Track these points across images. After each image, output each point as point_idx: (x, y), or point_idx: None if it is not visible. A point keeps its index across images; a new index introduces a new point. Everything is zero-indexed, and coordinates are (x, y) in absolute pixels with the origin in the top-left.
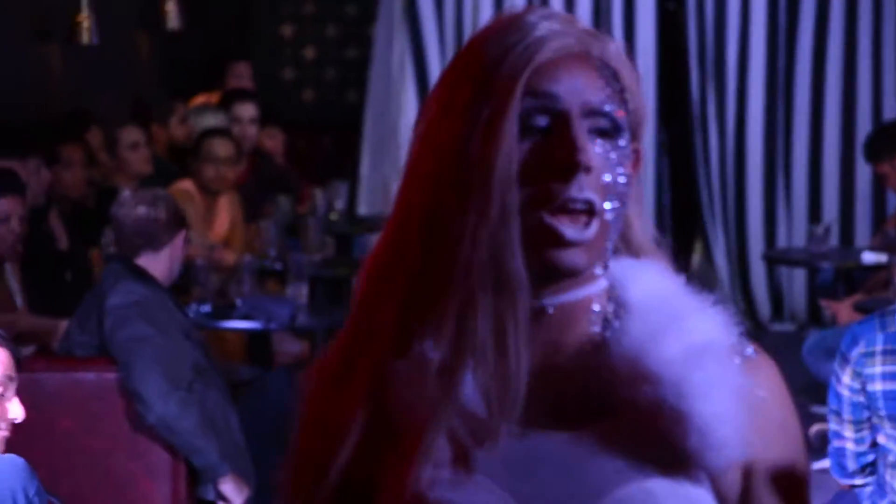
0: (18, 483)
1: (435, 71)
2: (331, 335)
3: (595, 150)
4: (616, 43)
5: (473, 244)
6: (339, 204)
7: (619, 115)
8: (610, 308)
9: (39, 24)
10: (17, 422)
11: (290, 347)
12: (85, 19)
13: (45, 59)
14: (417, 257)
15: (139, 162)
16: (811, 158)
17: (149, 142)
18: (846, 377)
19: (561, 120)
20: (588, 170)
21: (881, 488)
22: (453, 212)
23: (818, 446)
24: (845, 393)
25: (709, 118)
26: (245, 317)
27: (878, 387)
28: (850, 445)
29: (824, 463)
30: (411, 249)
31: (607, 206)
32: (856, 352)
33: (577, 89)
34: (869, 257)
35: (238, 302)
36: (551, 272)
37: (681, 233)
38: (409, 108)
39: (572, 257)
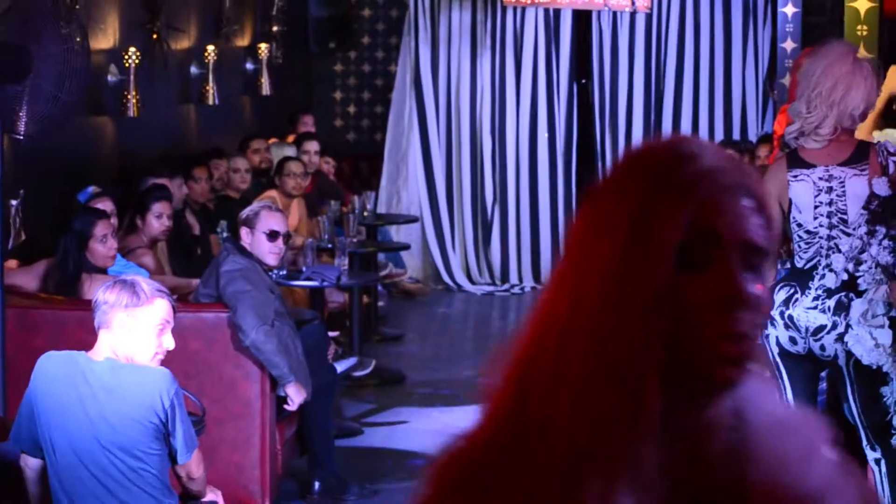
0: (165, 386)
1: (432, 121)
2: (364, 290)
3: (750, 284)
4: (757, 174)
5: (621, 369)
6: (369, 206)
7: (768, 247)
8: (732, 421)
9: (181, 92)
10: (169, 350)
11: (336, 298)
12: (210, 88)
13: (186, 115)
14: (549, 359)
15: (240, 181)
16: None
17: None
18: None
19: (722, 255)
20: (746, 305)
21: None
22: (600, 334)
23: None
24: None
25: (607, 151)
26: (307, 279)
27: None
28: None
29: None
30: (546, 356)
31: (758, 335)
32: None
33: (738, 225)
34: None
35: (303, 269)
36: (707, 390)
37: None
38: (413, 145)
39: (731, 375)
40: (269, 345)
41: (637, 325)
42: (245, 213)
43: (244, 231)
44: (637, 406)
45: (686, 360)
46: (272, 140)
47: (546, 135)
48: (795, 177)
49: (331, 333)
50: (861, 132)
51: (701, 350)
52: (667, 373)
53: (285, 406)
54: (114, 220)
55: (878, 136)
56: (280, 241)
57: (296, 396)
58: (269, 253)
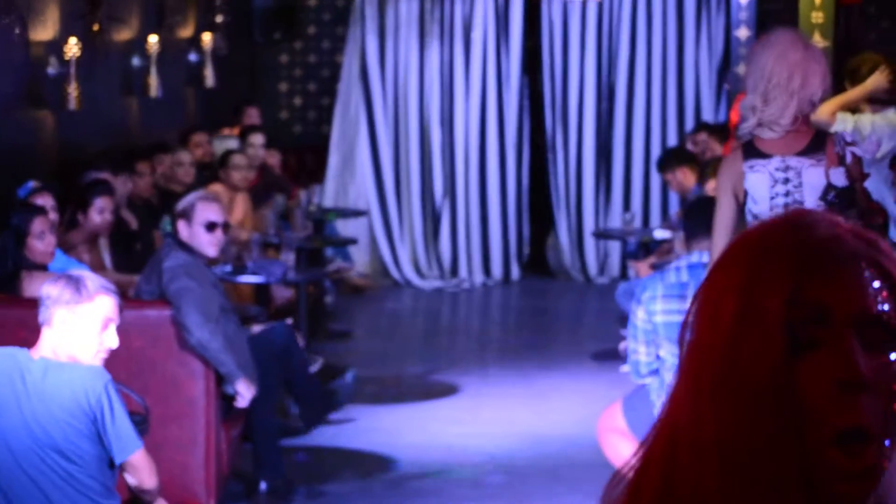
0: (93, 383)
1: (379, 113)
2: (311, 285)
3: (870, 364)
4: (885, 242)
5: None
6: (315, 199)
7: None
8: None
9: (122, 84)
10: (112, 348)
11: (283, 293)
12: (152, 80)
13: (128, 108)
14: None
15: (185, 174)
16: (625, 171)
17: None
18: (639, 313)
19: (833, 333)
20: (863, 388)
21: (664, 385)
22: (719, 430)
23: (625, 357)
24: (638, 324)
25: (557, 144)
26: (253, 273)
27: (659, 319)
28: (642, 358)
29: (626, 367)
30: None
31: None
32: (645, 296)
33: (851, 297)
34: (659, 234)
35: (248, 264)
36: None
37: (540, 220)
38: (361, 137)
39: (850, 491)
40: (214, 343)
41: (757, 421)
42: (180, 205)
43: (181, 224)
44: None
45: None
46: (224, 131)
47: (496, 126)
48: (751, 167)
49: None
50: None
51: (815, 452)
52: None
53: (235, 403)
54: (54, 216)
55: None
56: (219, 232)
57: (246, 392)
58: (209, 245)
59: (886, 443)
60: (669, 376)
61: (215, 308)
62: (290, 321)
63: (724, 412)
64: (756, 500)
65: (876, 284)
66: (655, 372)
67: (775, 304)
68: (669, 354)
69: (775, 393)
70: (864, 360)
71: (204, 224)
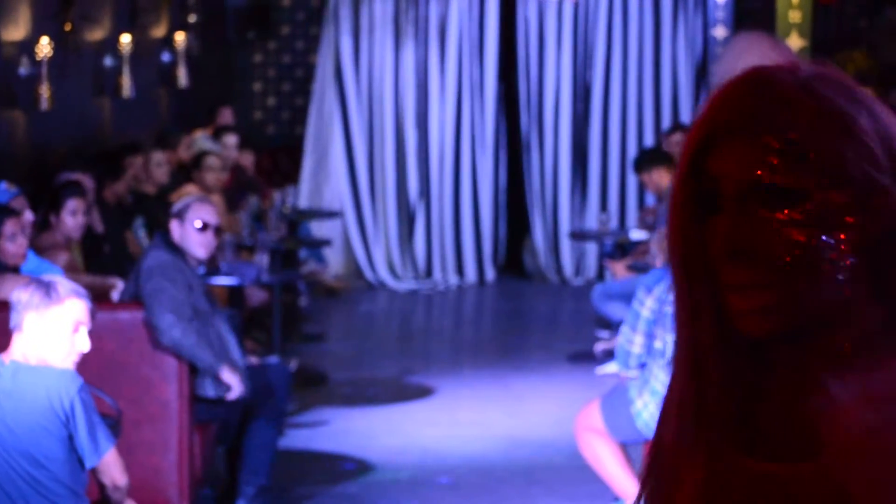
0: (64, 386)
1: (354, 114)
2: (285, 287)
3: (763, 226)
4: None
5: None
6: (290, 201)
7: (791, 183)
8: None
9: (95, 84)
10: (84, 351)
11: (256, 295)
12: (125, 80)
13: (100, 108)
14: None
15: (162, 175)
16: (601, 171)
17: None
18: (648, 301)
19: (725, 201)
20: (746, 253)
21: (646, 382)
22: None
23: (601, 358)
24: (645, 313)
25: (532, 144)
26: (226, 275)
27: (670, 309)
28: (635, 349)
29: (605, 369)
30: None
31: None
32: (660, 286)
33: (740, 168)
34: (635, 234)
35: (222, 266)
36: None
37: (517, 221)
38: (335, 138)
39: (750, 324)
40: (187, 340)
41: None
42: (176, 206)
43: (175, 224)
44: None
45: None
46: (197, 132)
47: (471, 127)
48: None
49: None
50: None
51: (724, 306)
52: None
53: (227, 396)
54: (29, 217)
55: None
56: (210, 234)
57: (233, 381)
58: (200, 245)
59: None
60: (660, 366)
61: (188, 309)
62: (293, 366)
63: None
64: (684, 329)
65: (774, 151)
66: (642, 366)
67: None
68: (669, 344)
69: (694, 253)
70: (756, 222)
71: (196, 224)
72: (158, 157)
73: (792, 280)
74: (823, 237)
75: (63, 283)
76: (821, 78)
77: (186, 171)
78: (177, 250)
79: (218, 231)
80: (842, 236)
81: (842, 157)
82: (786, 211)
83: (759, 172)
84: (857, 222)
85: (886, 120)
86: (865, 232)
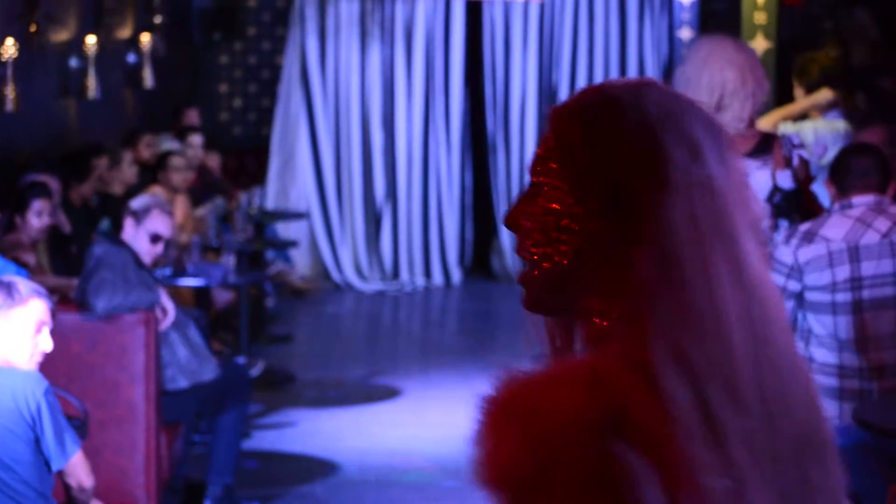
0: (30, 387)
1: (320, 115)
2: (252, 288)
3: (527, 209)
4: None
5: None
6: (256, 202)
7: (538, 181)
8: None
9: (60, 85)
10: (46, 351)
11: (222, 296)
12: (91, 82)
13: (66, 109)
14: None
15: (131, 175)
16: None
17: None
18: None
19: None
20: (512, 231)
21: None
22: None
23: None
24: None
25: (498, 146)
26: (193, 276)
27: None
28: None
29: None
30: None
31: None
32: None
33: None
34: None
35: (188, 267)
36: None
37: (483, 224)
38: (301, 139)
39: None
40: (117, 297)
41: None
42: (136, 204)
43: (129, 222)
44: None
45: None
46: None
47: (438, 127)
48: None
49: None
50: (765, 124)
51: None
52: None
53: (160, 326)
54: None
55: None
56: (160, 246)
57: (169, 305)
58: (147, 254)
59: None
60: None
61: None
62: (259, 368)
63: None
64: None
65: (536, 158)
66: None
67: None
68: None
69: None
70: (519, 207)
71: (150, 233)
72: (128, 157)
73: (534, 264)
74: (553, 234)
75: (23, 283)
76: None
77: (151, 171)
78: (123, 246)
79: (168, 244)
80: (563, 237)
81: (578, 170)
82: (529, 204)
83: (530, 168)
84: (579, 229)
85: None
86: (583, 237)
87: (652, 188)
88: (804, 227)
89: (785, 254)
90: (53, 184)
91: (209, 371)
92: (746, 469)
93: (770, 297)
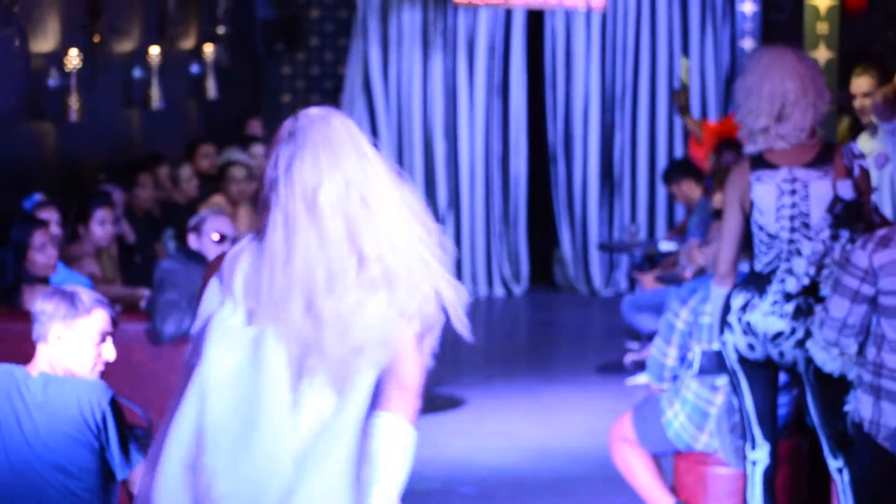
0: (96, 397)
1: (382, 126)
2: None
3: None
4: None
5: None
6: None
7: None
8: None
9: (123, 95)
10: (109, 361)
11: None
12: (154, 92)
13: (129, 120)
14: None
15: (191, 188)
16: (631, 182)
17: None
18: (683, 314)
19: None
20: None
21: (677, 392)
22: None
23: (631, 369)
24: (679, 325)
25: (559, 156)
26: None
27: (706, 320)
28: (669, 362)
29: (635, 380)
30: None
31: None
32: (695, 298)
33: None
34: (665, 246)
35: None
36: None
37: (544, 234)
38: None
39: None
40: (185, 322)
41: None
42: (193, 220)
43: (192, 237)
44: None
45: None
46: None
47: (500, 137)
48: (758, 178)
49: None
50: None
51: None
52: None
53: None
54: (55, 229)
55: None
56: (228, 245)
57: None
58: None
59: None
60: (691, 377)
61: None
62: None
63: None
64: None
65: None
66: (674, 377)
67: None
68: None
69: None
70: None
71: (213, 237)
72: (187, 170)
73: None
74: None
75: (86, 293)
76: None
77: (213, 182)
78: (193, 261)
79: (235, 242)
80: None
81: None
82: None
83: None
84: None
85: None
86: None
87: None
88: (881, 232)
89: (860, 258)
90: (116, 194)
91: None
92: None
93: None
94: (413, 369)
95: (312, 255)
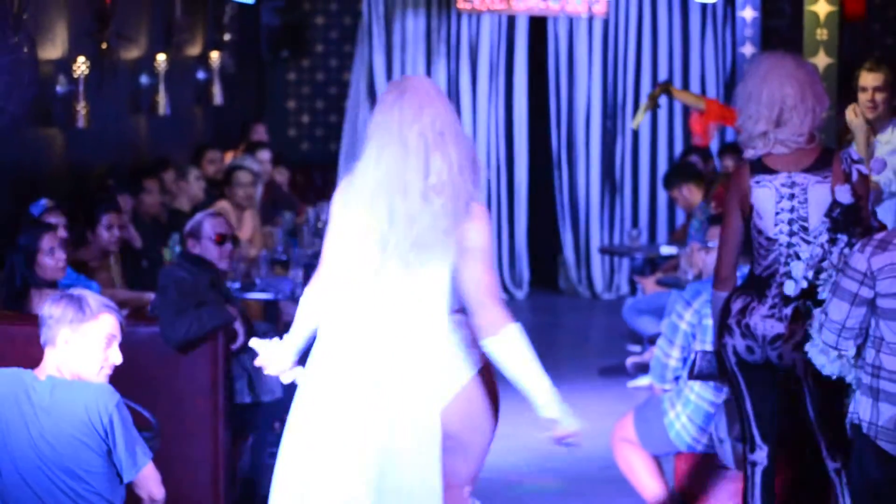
0: (104, 400)
1: None
2: None
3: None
4: None
5: None
6: (324, 217)
7: None
8: None
9: (131, 102)
10: (116, 364)
11: (291, 310)
12: (161, 98)
13: (136, 126)
14: None
15: (197, 190)
16: (632, 187)
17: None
18: (687, 315)
19: None
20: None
21: (679, 393)
22: None
23: (633, 372)
24: (683, 326)
25: (562, 161)
26: (261, 290)
27: (709, 322)
28: (672, 363)
29: (637, 382)
30: None
31: None
32: (699, 300)
33: None
34: (665, 250)
35: (257, 280)
36: None
37: (545, 239)
38: None
39: None
40: (194, 326)
41: None
42: (188, 226)
43: (190, 242)
44: None
45: None
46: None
47: (503, 142)
48: (758, 182)
49: None
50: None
51: None
52: None
53: (231, 347)
54: (63, 233)
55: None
56: (228, 244)
57: (240, 329)
58: (220, 258)
59: None
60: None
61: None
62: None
63: None
64: None
65: None
66: (676, 378)
67: None
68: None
69: None
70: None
71: (212, 238)
72: (195, 173)
73: None
74: None
75: (93, 298)
76: None
77: (218, 187)
78: (197, 265)
79: (235, 240)
80: None
81: None
82: None
83: None
84: None
85: None
86: None
87: None
88: (879, 235)
89: (859, 261)
90: (124, 199)
91: (267, 395)
92: None
93: None
94: (482, 274)
95: (396, 165)
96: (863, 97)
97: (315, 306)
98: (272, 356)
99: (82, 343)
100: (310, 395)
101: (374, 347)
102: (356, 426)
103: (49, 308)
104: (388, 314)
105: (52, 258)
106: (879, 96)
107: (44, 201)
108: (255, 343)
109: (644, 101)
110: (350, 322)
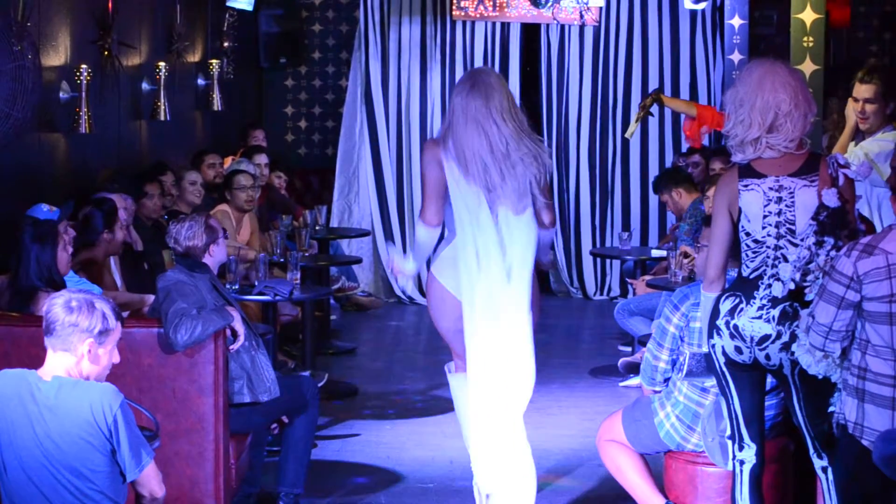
0: (108, 400)
1: (383, 135)
2: (314, 305)
3: None
4: None
5: None
6: (321, 220)
7: None
8: None
9: (132, 108)
10: (114, 363)
11: (289, 311)
12: (161, 104)
13: (137, 131)
14: None
15: (195, 195)
16: (623, 190)
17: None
18: (675, 319)
19: None
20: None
21: (669, 394)
22: None
23: (623, 373)
24: (671, 329)
25: (554, 165)
26: (260, 293)
27: (697, 325)
28: (661, 365)
29: (629, 382)
30: None
31: None
32: (687, 303)
33: None
34: (655, 253)
35: (255, 283)
36: None
37: None
38: (365, 159)
39: None
40: (197, 329)
41: None
42: (169, 240)
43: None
44: None
45: None
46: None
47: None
48: (746, 186)
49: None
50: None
51: None
52: None
53: (231, 346)
54: (71, 232)
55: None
56: (222, 242)
57: (240, 328)
58: (216, 258)
59: None
60: (681, 379)
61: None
62: (323, 380)
63: None
64: None
65: None
66: (665, 381)
67: None
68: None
69: None
70: None
71: (203, 238)
72: (192, 177)
73: None
74: None
75: (108, 307)
76: None
77: (219, 191)
78: (196, 269)
79: (224, 233)
80: None
81: None
82: None
83: None
84: None
85: None
86: None
87: None
88: (865, 239)
89: (845, 265)
90: (128, 203)
91: (265, 394)
92: None
93: None
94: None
95: (499, 135)
96: (855, 107)
97: (431, 237)
98: (404, 265)
99: (104, 354)
100: (469, 295)
101: (502, 260)
102: (499, 303)
103: (66, 314)
104: (506, 240)
105: (65, 252)
106: (870, 108)
107: (42, 206)
108: (391, 250)
109: (636, 109)
110: (480, 244)
